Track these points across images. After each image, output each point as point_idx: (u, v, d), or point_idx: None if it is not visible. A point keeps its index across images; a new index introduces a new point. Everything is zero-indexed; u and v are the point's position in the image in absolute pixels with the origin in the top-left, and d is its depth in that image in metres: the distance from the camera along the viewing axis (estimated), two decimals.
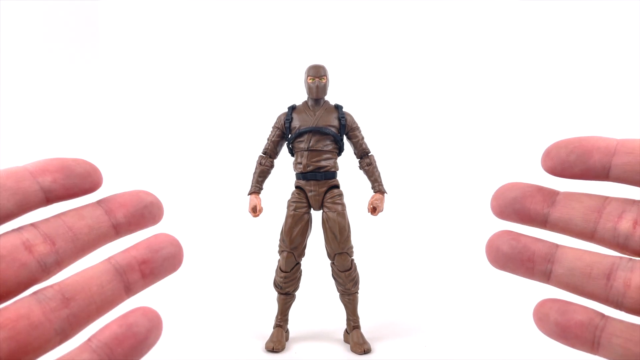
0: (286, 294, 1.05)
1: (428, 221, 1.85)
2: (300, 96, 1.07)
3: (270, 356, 0.98)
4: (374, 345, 1.01)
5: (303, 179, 1.02)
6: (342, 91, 1.27)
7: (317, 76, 1.02)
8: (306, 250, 1.05)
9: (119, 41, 2.05)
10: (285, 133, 1.05)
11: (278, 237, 1.05)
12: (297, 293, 1.07)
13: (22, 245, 0.22)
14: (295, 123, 1.03)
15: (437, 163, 1.93)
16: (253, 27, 2.02)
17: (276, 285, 1.05)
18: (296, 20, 2.00)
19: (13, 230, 0.22)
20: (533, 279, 0.25)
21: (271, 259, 1.10)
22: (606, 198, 0.25)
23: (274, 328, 1.04)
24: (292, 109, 1.05)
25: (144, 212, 0.25)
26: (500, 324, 1.13)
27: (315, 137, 1.01)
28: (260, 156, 1.07)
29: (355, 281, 1.04)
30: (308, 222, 1.03)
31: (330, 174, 1.02)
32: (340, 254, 1.01)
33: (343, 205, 1.02)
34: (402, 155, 1.88)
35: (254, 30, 2.02)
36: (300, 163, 1.02)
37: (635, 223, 0.23)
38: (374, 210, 1.02)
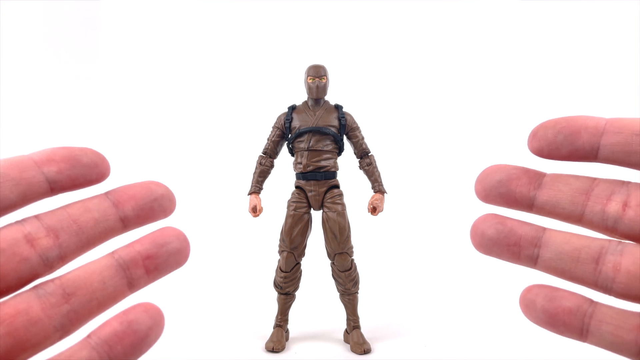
0: (286, 294, 1.05)
1: (428, 221, 1.84)
2: (300, 96, 1.07)
3: (270, 356, 0.98)
4: (374, 345, 1.01)
5: (303, 179, 1.02)
6: (342, 91, 1.27)
7: (317, 76, 1.02)
8: (306, 250, 1.04)
9: (121, 39, 2.05)
10: (285, 133, 1.05)
11: (278, 237, 1.05)
12: (297, 293, 1.07)
13: (24, 239, 0.21)
14: (295, 123, 1.03)
15: (437, 163, 1.93)
16: (253, 27, 2.02)
17: (276, 285, 1.05)
18: (296, 20, 2.00)
19: (15, 223, 0.21)
20: (519, 263, 0.24)
21: (271, 259, 1.10)
22: (594, 180, 0.24)
23: (274, 328, 1.04)
24: (292, 109, 1.05)
25: (154, 205, 0.24)
26: (500, 324, 1.13)
27: (315, 137, 1.01)
28: (260, 156, 1.07)
29: (355, 281, 1.03)
30: (308, 222, 1.03)
31: (330, 174, 1.02)
32: (340, 254, 1.01)
33: (343, 205, 1.02)
34: (402, 155, 1.88)
35: (254, 30, 2.02)
36: (300, 163, 1.02)
37: (624, 205, 0.22)
38: (374, 210, 1.02)
